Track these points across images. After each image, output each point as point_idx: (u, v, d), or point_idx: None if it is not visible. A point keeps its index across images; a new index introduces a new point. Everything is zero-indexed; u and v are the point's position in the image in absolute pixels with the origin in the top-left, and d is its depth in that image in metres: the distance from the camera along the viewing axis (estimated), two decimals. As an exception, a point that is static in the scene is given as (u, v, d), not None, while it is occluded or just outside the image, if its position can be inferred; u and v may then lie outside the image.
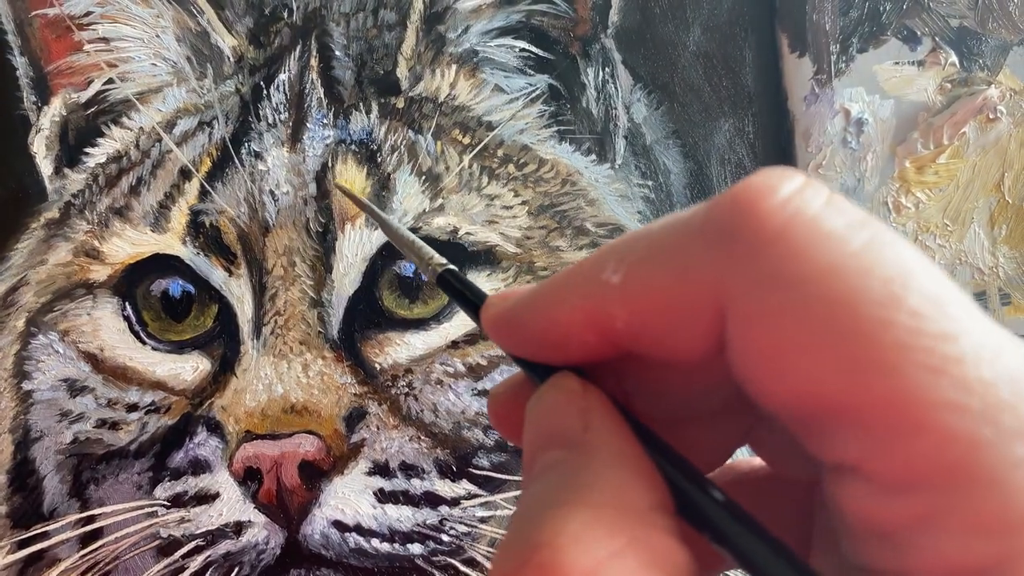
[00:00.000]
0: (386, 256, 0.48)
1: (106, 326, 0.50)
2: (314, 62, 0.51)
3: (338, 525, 0.46)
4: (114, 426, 0.49)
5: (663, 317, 0.20)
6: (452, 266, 0.26)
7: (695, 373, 0.22)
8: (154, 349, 0.49)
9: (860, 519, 0.19)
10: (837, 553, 0.20)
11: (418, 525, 0.47)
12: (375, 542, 0.46)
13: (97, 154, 0.52)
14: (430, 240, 0.48)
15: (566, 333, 0.21)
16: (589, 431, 0.20)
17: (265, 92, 0.51)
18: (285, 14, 0.52)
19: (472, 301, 0.24)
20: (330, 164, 0.49)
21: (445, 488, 0.47)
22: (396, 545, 0.46)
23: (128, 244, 0.50)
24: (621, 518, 0.18)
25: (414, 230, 0.48)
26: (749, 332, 0.19)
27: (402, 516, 0.46)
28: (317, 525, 0.46)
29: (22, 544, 0.49)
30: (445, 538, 0.47)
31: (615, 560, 0.17)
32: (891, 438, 0.17)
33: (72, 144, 0.52)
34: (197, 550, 0.47)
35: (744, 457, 0.25)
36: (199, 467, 0.47)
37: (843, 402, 0.18)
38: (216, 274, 0.48)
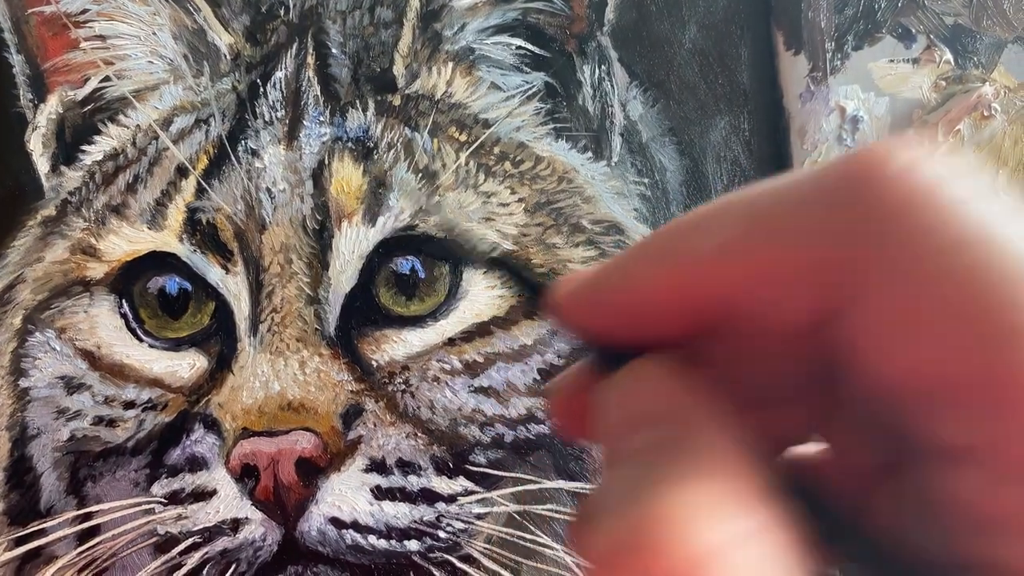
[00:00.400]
0: (383, 253, 0.48)
1: (103, 323, 0.49)
2: (311, 60, 0.51)
3: (335, 522, 0.46)
4: (111, 423, 0.49)
5: (766, 287, 0.19)
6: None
7: (780, 353, 0.20)
8: (151, 346, 0.49)
9: (962, 506, 0.18)
10: (907, 542, 0.19)
11: (415, 522, 0.47)
12: (372, 539, 0.46)
13: (94, 152, 0.52)
14: (427, 238, 0.48)
15: (651, 308, 0.20)
16: (689, 409, 0.18)
17: (262, 90, 0.51)
18: (281, 12, 0.52)
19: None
20: (327, 161, 0.49)
21: (442, 485, 0.47)
22: (393, 542, 0.46)
23: (125, 241, 0.49)
24: (748, 496, 0.16)
25: (410, 227, 0.48)
26: (872, 304, 0.17)
27: (399, 513, 0.46)
28: (314, 522, 0.46)
29: (19, 541, 0.49)
30: (442, 535, 0.47)
31: (749, 542, 0.16)
32: (1015, 420, 0.16)
33: (69, 142, 0.52)
34: (194, 547, 0.47)
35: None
36: (196, 464, 0.47)
37: (969, 380, 0.16)
38: (213, 271, 0.48)
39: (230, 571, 0.47)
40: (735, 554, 0.15)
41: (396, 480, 0.47)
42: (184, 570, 0.47)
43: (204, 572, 0.47)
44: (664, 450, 0.18)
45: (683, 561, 0.15)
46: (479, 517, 0.47)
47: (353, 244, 0.48)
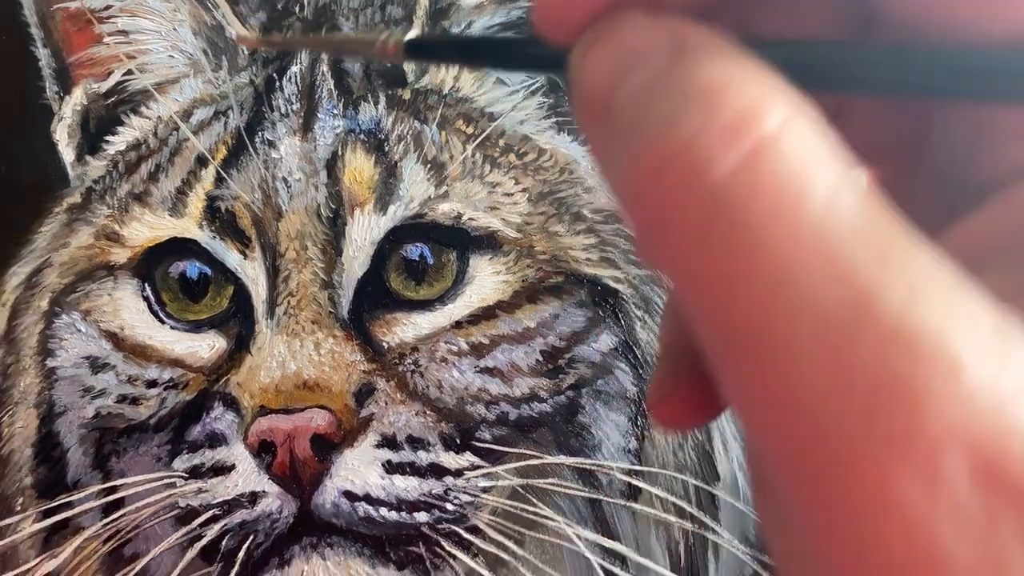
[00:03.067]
0: (393, 241, 0.49)
1: (126, 306, 0.50)
2: (324, 55, 0.52)
3: (348, 495, 0.47)
4: (134, 401, 0.50)
5: None
6: (412, 34, 0.21)
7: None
8: (172, 328, 0.50)
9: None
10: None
11: (424, 495, 0.47)
12: (383, 511, 0.47)
13: (117, 142, 0.53)
14: (435, 225, 0.49)
15: None
16: (689, 36, 0.17)
17: (278, 84, 0.52)
18: (297, 8, 0.53)
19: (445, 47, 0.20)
20: (340, 153, 0.50)
21: (449, 460, 0.48)
22: (403, 514, 0.47)
23: (147, 228, 0.50)
24: (775, 83, 0.16)
25: (419, 216, 0.49)
26: None
27: (409, 486, 0.47)
28: (328, 495, 0.47)
29: (47, 513, 0.50)
30: (449, 507, 0.48)
31: (800, 118, 0.15)
32: None
33: (93, 132, 0.53)
34: (214, 519, 0.48)
35: None
36: (216, 440, 0.48)
37: None
38: (231, 257, 0.49)
39: (248, 542, 0.47)
40: (792, 127, 0.15)
41: (406, 455, 0.48)
42: (204, 541, 0.48)
43: (223, 543, 0.48)
44: (671, 64, 0.16)
45: (753, 141, 0.15)
46: (485, 490, 0.48)
47: (365, 231, 0.49)
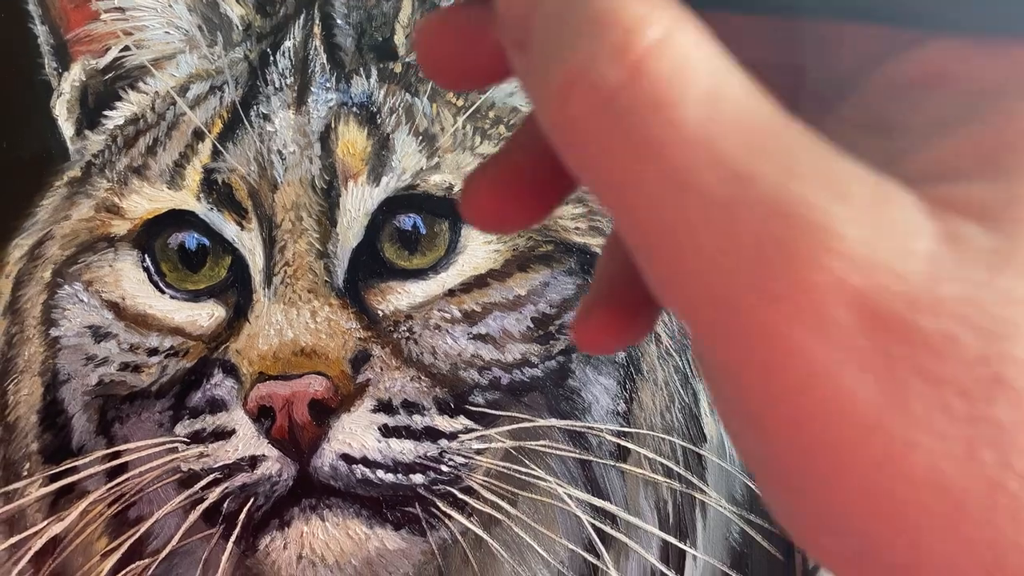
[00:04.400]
0: (387, 211, 0.50)
1: (127, 276, 0.51)
2: (317, 30, 0.52)
3: (346, 458, 0.48)
4: (136, 369, 0.50)
5: None
6: None
7: None
8: (172, 298, 0.51)
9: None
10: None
11: (420, 457, 0.48)
12: (380, 473, 0.48)
13: (115, 117, 0.53)
14: (428, 196, 0.50)
15: None
16: None
17: (272, 58, 0.52)
18: None
19: None
20: (333, 125, 0.51)
21: (444, 423, 0.49)
22: (400, 475, 0.48)
23: (146, 200, 0.51)
24: (661, 1, 0.17)
25: (412, 187, 0.50)
26: None
27: (405, 449, 0.48)
28: (326, 458, 0.48)
29: (53, 478, 0.51)
30: (444, 469, 0.49)
31: (682, 25, 0.16)
32: None
33: (92, 107, 0.53)
34: (215, 482, 0.48)
35: None
36: (216, 406, 0.49)
37: None
38: (229, 228, 0.50)
39: (248, 504, 0.48)
40: (674, 36, 0.16)
41: (402, 419, 0.48)
42: (206, 504, 0.48)
43: (225, 505, 0.48)
44: None
45: (635, 57, 0.16)
46: (478, 452, 0.49)
47: (359, 202, 0.50)
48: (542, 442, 0.50)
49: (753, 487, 0.50)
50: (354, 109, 0.51)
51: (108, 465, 0.50)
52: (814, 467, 0.15)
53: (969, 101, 0.16)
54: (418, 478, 0.48)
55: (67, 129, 0.54)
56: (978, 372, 0.14)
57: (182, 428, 0.50)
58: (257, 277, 0.50)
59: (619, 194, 0.17)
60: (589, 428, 0.51)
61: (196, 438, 0.49)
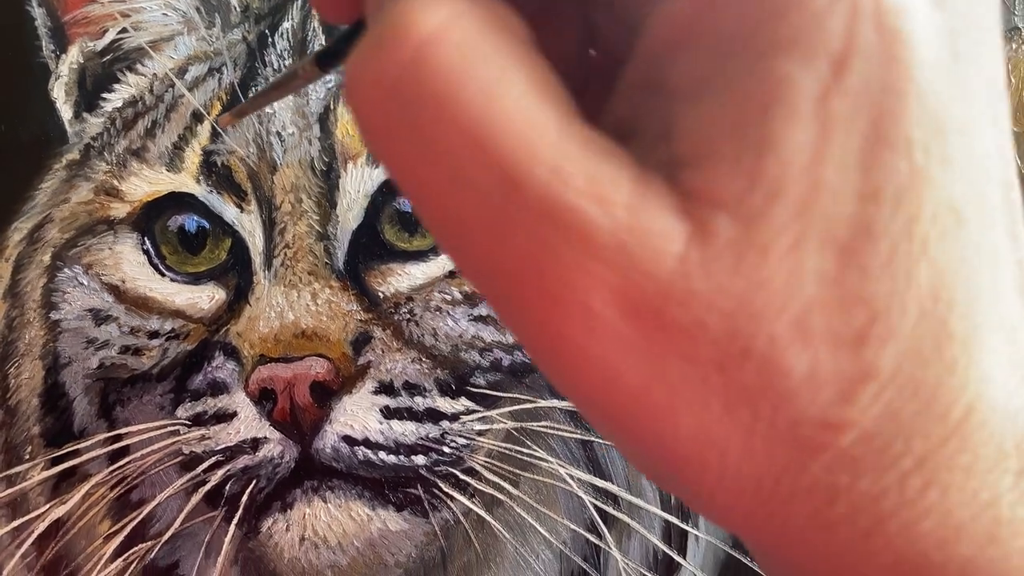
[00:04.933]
0: (387, 193, 0.50)
1: (127, 259, 0.51)
2: (315, 11, 0.52)
3: (348, 440, 0.47)
4: (137, 352, 0.50)
5: None
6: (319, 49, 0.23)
7: None
8: (172, 280, 0.50)
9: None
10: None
11: (421, 438, 0.48)
12: (382, 454, 0.48)
13: (114, 99, 0.53)
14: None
15: None
16: None
17: (270, 40, 0.52)
18: None
19: (345, 36, 0.22)
20: (332, 107, 0.50)
21: (445, 405, 0.49)
22: (401, 457, 0.48)
23: (145, 183, 0.51)
24: None
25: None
26: None
27: (406, 430, 0.48)
28: (328, 440, 0.47)
29: (55, 461, 0.51)
30: (446, 450, 0.48)
31: (462, 17, 0.16)
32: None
33: (90, 90, 0.53)
34: (217, 465, 0.48)
35: None
36: (217, 389, 0.49)
37: None
38: (228, 210, 0.50)
39: (251, 486, 0.48)
40: (451, 28, 0.16)
41: (403, 401, 0.48)
42: (208, 486, 0.48)
43: (227, 487, 0.48)
44: None
45: (411, 49, 0.16)
46: (480, 434, 0.49)
47: (359, 184, 0.49)
48: (544, 423, 0.50)
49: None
50: (353, 90, 0.50)
51: (109, 448, 0.50)
52: (608, 430, 0.18)
53: (720, 58, 0.16)
54: (420, 459, 0.48)
55: (65, 112, 0.53)
56: (728, 348, 0.16)
57: (183, 411, 0.49)
58: (257, 259, 0.49)
59: (406, 183, 0.17)
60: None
61: (197, 421, 0.49)
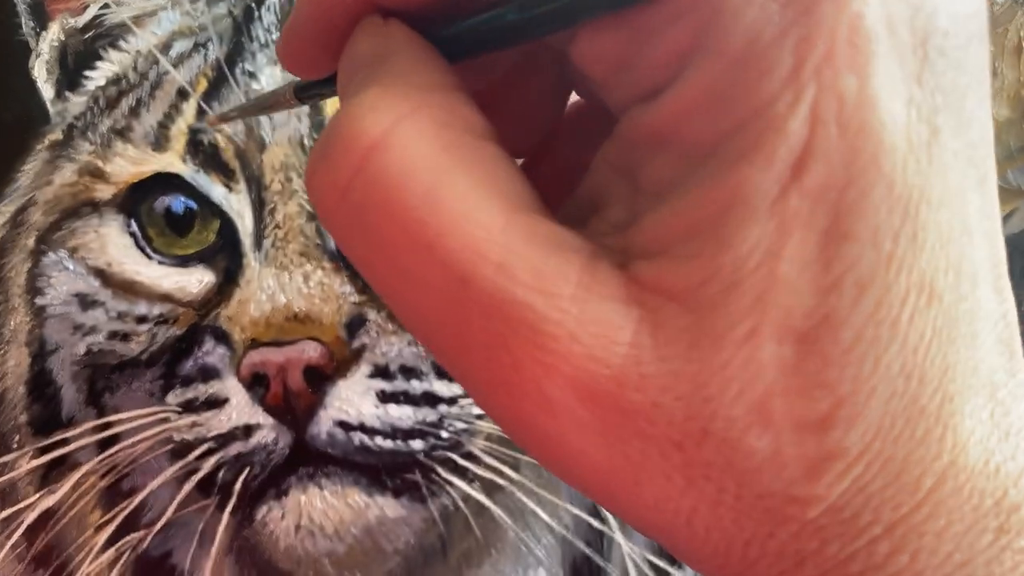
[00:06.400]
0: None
1: (113, 242, 0.49)
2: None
3: (343, 425, 0.46)
4: (125, 337, 0.49)
5: None
6: (297, 80, 0.24)
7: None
8: (160, 263, 0.49)
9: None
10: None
11: (418, 423, 0.47)
12: (378, 439, 0.46)
13: (96, 77, 0.51)
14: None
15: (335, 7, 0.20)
16: (389, 40, 0.19)
17: (256, 13, 0.50)
18: None
19: (324, 82, 0.23)
20: (322, 82, 0.48)
21: (443, 388, 0.47)
22: (398, 442, 0.46)
23: (130, 163, 0.49)
24: (413, 89, 0.18)
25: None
26: None
27: (403, 415, 0.47)
28: (323, 425, 0.46)
29: (44, 450, 0.49)
30: (444, 434, 0.47)
31: (407, 121, 0.17)
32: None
33: (72, 68, 0.51)
34: (209, 452, 0.47)
35: None
36: (208, 374, 0.47)
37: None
38: (216, 190, 0.48)
39: (244, 474, 0.47)
40: (395, 133, 0.17)
41: (399, 384, 0.47)
42: (200, 474, 0.47)
43: (219, 476, 0.47)
44: (363, 75, 0.19)
45: (357, 157, 0.17)
46: (479, 417, 0.47)
47: (350, 161, 0.48)
48: (544, 405, 0.48)
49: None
50: (343, 64, 0.49)
51: (99, 436, 0.49)
52: (583, 494, 0.19)
53: (687, 165, 0.17)
54: (417, 444, 0.47)
55: (47, 91, 0.51)
56: (686, 428, 0.16)
57: (174, 397, 0.48)
58: (247, 241, 0.48)
59: (367, 278, 0.19)
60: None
61: (188, 407, 0.47)
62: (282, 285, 0.47)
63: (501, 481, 0.47)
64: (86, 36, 0.51)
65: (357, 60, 0.20)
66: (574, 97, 0.24)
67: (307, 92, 0.24)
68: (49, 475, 0.49)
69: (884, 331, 0.16)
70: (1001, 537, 0.16)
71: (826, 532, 0.16)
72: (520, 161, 0.22)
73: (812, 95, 0.16)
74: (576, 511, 0.49)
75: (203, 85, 0.49)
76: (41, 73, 0.51)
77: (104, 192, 0.49)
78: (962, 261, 0.17)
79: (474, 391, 0.18)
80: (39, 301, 0.50)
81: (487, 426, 0.47)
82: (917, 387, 0.16)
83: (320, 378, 0.46)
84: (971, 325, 0.17)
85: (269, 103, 0.26)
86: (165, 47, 0.50)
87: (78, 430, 0.49)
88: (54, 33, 0.51)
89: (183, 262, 0.49)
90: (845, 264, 0.16)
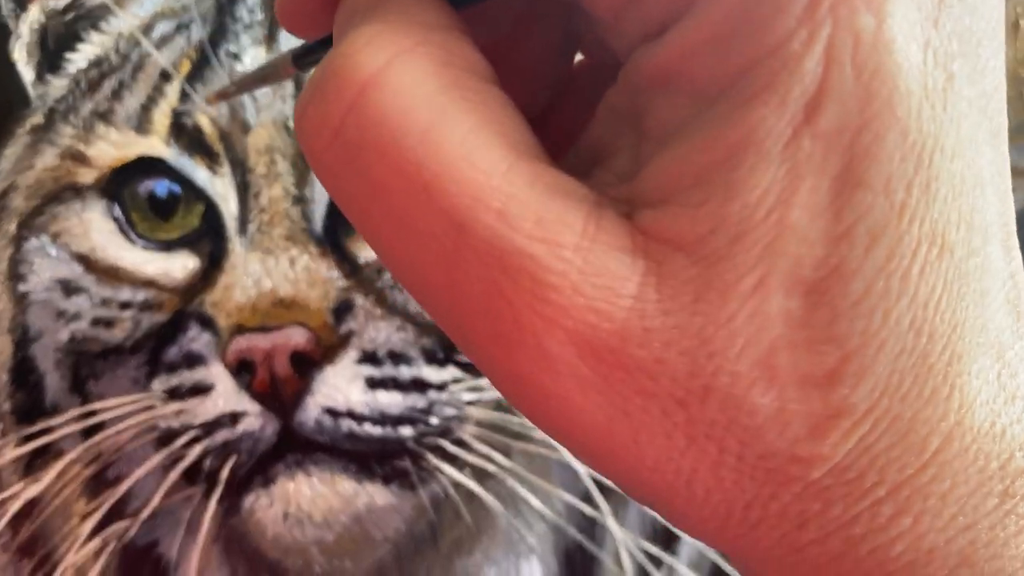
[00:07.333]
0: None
1: (96, 227, 0.48)
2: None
3: (331, 412, 0.45)
4: (109, 324, 0.48)
5: None
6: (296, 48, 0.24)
7: None
8: (144, 248, 0.48)
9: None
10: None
11: (408, 409, 0.46)
12: (367, 426, 0.45)
13: (78, 59, 0.50)
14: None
15: None
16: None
17: (240, -7, 0.49)
18: None
19: (324, 45, 0.22)
20: (307, 63, 0.47)
21: (432, 374, 0.46)
22: (387, 428, 0.46)
23: (113, 147, 0.48)
24: (414, 26, 0.17)
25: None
26: None
27: (392, 401, 0.46)
28: (310, 412, 0.45)
29: (28, 438, 0.48)
30: (434, 420, 0.46)
31: (405, 57, 0.17)
32: None
33: (52, 50, 0.50)
34: (195, 440, 0.46)
35: None
36: (193, 361, 0.46)
37: None
38: (200, 173, 0.47)
39: (230, 462, 0.46)
40: (392, 70, 0.16)
41: (388, 370, 0.46)
42: (186, 462, 0.46)
43: (205, 464, 0.46)
44: (361, 13, 0.18)
45: (351, 94, 0.16)
46: (469, 403, 0.47)
47: (337, 144, 0.47)
48: (535, 391, 0.47)
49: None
50: (328, 45, 0.48)
51: (83, 424, 0.48)
52: (579, 458, 0.18)
53: (695, 107, 0.16)
54: (407, 431, 0.46)
55: (27, 74, 0.50)
56: (689, 384, 0.16)
57: (159, 384, 0.47)
58: (231, 225, 0.47)
59: (358, 225, 0.18)
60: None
61: (174, 394, 0.47)
62: (268, 270, 0.46)
63: (492, 468, 0.46)
64: (67, 17, 0.50)
65: (356, 1, 0.19)
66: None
67: (306, 58, 0.23)
68: (33, 464, 0.48)
69: (895, 283, 0.15)
70: (1006, 501, 0.16)
71: (830, 493, 0.16)
72: None
73: (827, 33, 0.15)
74: (568, 498, 0.48)
75: (186, 67, 0.48)
76: (21, 55, 0.50)
77: (87, 176, 0.48)
78: (973, 214, 0.16)
79: (468, 346, 0.17)
80: (21, 287, 0.49)
81: (477, 412, 0.47)
82: (927, 343, 0.16)
83: (307, 364, 0.45)
84: (980, 282, 0.16)
85: (268, 74, 0.25)
86: (147, 29, 0.49)
87: (62, 418, 0.48)
88: (34, 15, 0.50)
89: (167, 247, 0.48)
90: (857, 212, 0.15)
